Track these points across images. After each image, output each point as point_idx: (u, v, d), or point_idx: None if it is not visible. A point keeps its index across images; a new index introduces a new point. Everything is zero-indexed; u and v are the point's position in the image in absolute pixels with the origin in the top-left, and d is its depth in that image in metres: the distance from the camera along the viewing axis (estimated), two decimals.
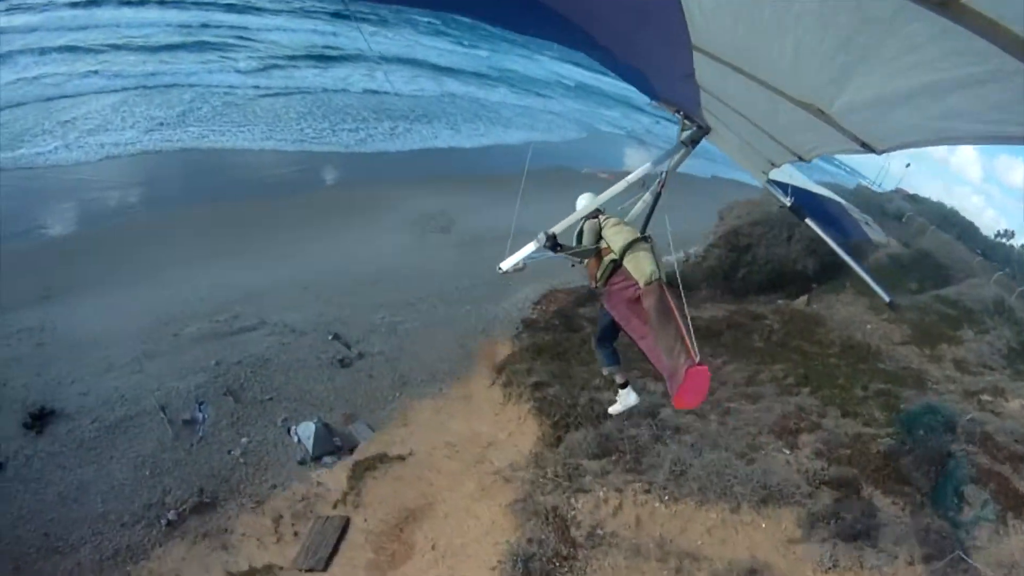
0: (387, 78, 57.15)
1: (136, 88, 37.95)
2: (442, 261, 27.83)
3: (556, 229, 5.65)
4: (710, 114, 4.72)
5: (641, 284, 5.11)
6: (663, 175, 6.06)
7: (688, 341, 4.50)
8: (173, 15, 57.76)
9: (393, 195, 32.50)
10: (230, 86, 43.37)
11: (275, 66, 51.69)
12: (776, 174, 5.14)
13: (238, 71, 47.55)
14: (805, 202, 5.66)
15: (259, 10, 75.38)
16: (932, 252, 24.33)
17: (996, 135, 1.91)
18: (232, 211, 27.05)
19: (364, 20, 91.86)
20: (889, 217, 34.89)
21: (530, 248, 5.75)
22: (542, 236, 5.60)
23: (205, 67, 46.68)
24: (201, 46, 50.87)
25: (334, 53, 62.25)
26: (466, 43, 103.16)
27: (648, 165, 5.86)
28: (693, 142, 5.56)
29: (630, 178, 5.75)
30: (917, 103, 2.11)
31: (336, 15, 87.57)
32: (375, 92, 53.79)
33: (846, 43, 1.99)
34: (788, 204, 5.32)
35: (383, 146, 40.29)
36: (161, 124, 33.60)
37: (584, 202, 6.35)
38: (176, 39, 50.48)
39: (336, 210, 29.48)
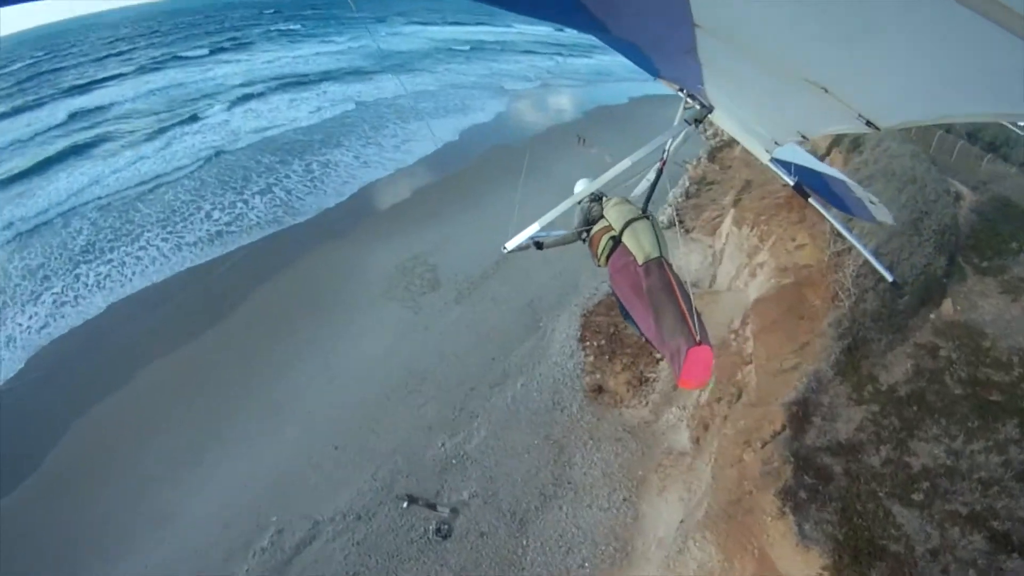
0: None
1: (10, 240, 30.51)
2: (455, 331, 22.36)
3: (553, 214, 5.17)
4: (713, 92, 4.26)
5: (639, 260, 4.69)
6: (664, 153, 5.35)
7: (689, 320, 4.11)
8: (16, 126, 49.79)
9: (355, 261, 26.45)
10: (108, 193, 35.55)
11: (147, 146, 43.80)
12: (779, 152, 4.63)
13: (113, 170, 39.50)
14: (809, 181, 5.45)
15: (103, 82, 66.16)
16: (1009, 197, 20.96)
17: (998, 113, 1.91)
18: (185, 368, 20.71)
19: (220, 50, 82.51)
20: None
21: (534, 228, 5.20)
22: (535, 226, 5.27)
23: (77, 175, 39.09)
24: (63, 155, 42.81)
25: (201, 105, 53.62)
26: (328, 39, 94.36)
27: (647, 147, 5.12)
28: (696, 121, 4.82)
29: (627, 161, 5.10)
30: (919, 81, 2.04)
31: (177, 58, 78.12)
32: (264, 130, 46.48)
33: (848, 21, 1.87)
34: (792, 183, 4.99)
35: (312, 202, 33.23)
36: (53, 282, 26.22)
37: (580, 187, 5.72)
38: (33, 154, 42.90)
39: (301, 310, 23.28)
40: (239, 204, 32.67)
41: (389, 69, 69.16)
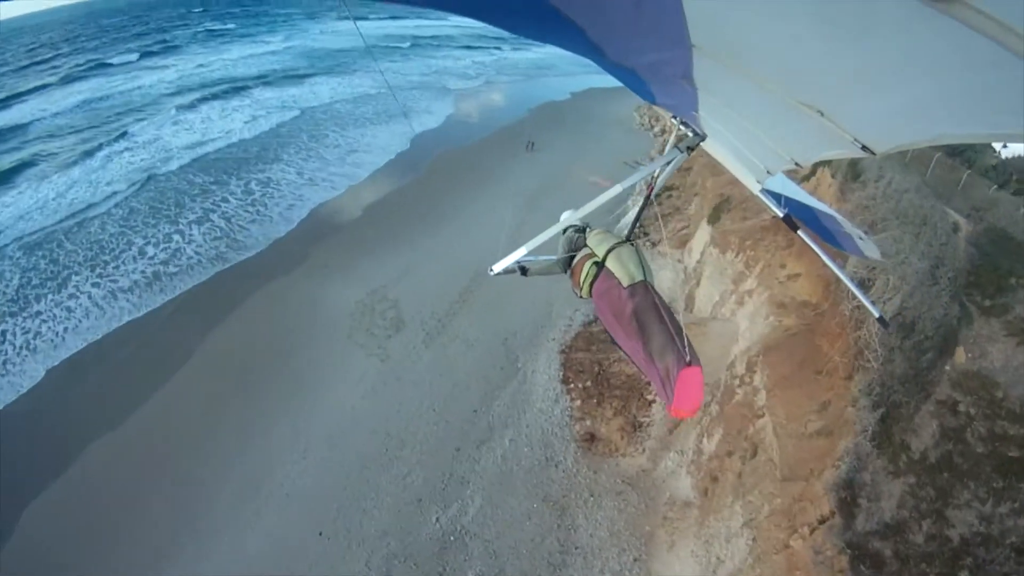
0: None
1: None
2: (429, 380, 19.91)
3: (540, 240, 4.81)
4: (706, 120, 4.08)
5: (624, 283, 4.42)
6: (652, 178, 5.14)
7: (677, 341, 3.90)
8: None
9: (311, 300, 23.61)
10: (35, 230, 31.14)
11: (76, 170, 39.25)
12: (770, 183, 4.45)
13: (39, 201, 34.94)
14: (798, 213, 5.17)
15: (26, 95, 60.47)
16: (1004, 228, 19.15)
17: (997, 134, 1.83)
18: (137, 442, 17.73)
19: (149, 54, 76.49)
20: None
21: (521, 252, 4.84)
22: (522, 250, 4.90)
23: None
24: None
25: (129, 120, 48.92)
26: (260, 39, 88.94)
27: (638, 174, 4.82)
28: (688, 149, 4.64)
29: (617, 187, 4.69)
30: (918, 103, 1.91)
31: (103, 65, 71.93)
32: (197, 145, 42.44)
33: (846, 42, 1.77)
34: (781, 215, 4.70)
35: (257, 232, 29.60)
36: None
37: (565, 217, 5.42)
38: None
39: (258, 364, 20.42)
40: (175, 237, 28.93)
41: (318, 69, 65.06)
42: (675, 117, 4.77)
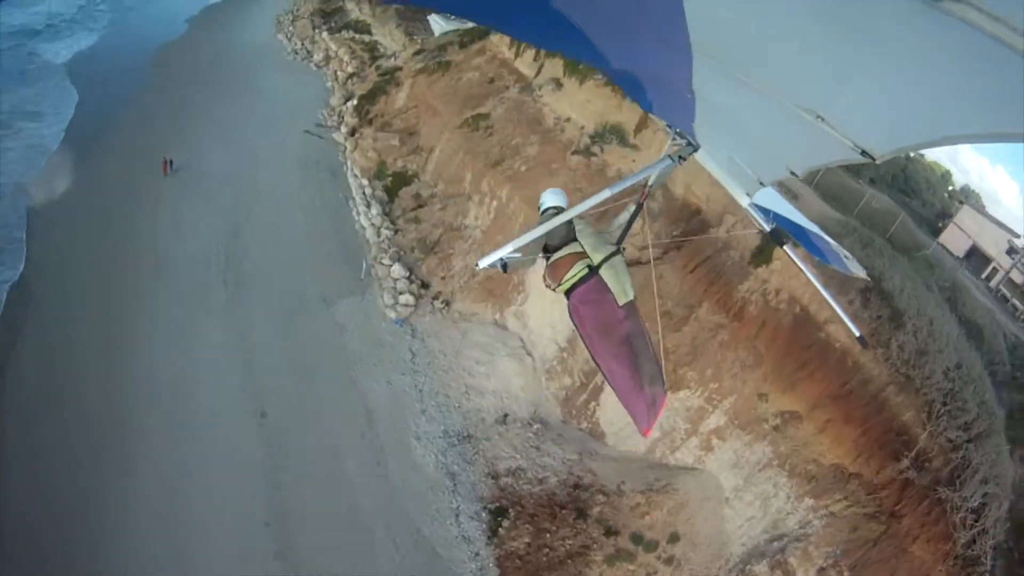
0: None
1: None
2: None
3: (529, 237, 4.35)
4: (702, 130, 4.00)
5: (620, 302, 4.20)
6: (647, 187, 4.68)
7: (661, 369, 3.99)
8: None
9: None
10: None
11: None
12: (759, 199, 4.30)
13: None
14: (786, 229, 4.89)
15: None
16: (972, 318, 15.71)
17: (998, 134, 1.68)
18: None
19: None
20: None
21: (507, 248, 4.37)
22: (510, 245, 4.40)
23: None
24: None
25: None
26: None
27: (629, 180, 4.56)
28: (681, 159, 4.45)
29: (606, 192, 4.39)
30: (919, 106, 1.83)
31: None
32: None
33: (847, 44, 1.72)
34: (768, 229, 4.43)
35: None
36: None
37: (550, 199, 4.89)
38: None
39: None
40: None
41: None
42: (670, 127, 4.44)
